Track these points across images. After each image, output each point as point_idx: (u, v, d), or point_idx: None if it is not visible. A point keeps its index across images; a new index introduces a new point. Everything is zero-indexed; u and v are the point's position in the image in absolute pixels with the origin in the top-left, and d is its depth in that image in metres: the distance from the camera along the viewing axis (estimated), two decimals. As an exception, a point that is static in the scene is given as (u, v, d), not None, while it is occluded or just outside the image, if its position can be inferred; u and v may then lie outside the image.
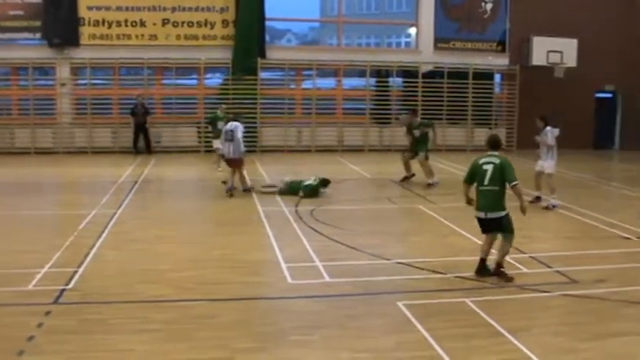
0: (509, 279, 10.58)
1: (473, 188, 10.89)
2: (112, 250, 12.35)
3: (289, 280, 10.65)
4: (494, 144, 11.04)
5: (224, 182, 18.76)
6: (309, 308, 9.46)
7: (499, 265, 10.71)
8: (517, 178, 10.63)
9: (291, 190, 18.11)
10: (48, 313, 8.94)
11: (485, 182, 10.61)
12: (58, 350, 7.73)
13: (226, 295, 9.93)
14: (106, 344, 7.94)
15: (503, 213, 10.63)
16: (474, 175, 10.79)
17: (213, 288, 10.20)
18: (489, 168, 10.62)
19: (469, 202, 11.05)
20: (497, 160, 10.65)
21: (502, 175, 10.56)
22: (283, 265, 11.34)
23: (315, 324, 8.73)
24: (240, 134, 17.97)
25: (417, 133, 20.37)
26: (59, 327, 8.46)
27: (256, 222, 14.98)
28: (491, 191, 10.59)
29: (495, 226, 10.69)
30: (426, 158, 20.23)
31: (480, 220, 10.81)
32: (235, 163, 18.21)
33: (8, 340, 7.98)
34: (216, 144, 21.97)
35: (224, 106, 23.95)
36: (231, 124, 18.20)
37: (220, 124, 21.64)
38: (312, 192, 17.95)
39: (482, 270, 10.77)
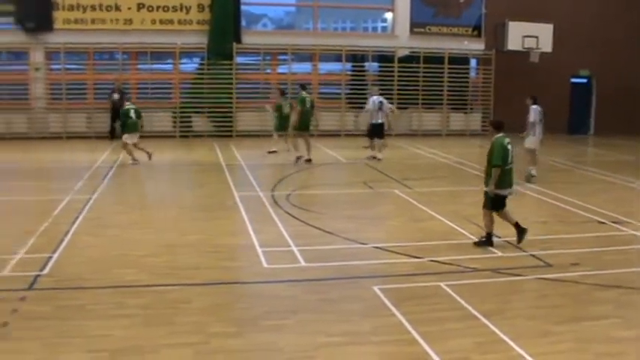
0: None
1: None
2: (87, 236, 12.27)
3: (265, 264, 10.64)
4: (502, 125, 11.80)
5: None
6: (285, 293, 9.46)
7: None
8: None
9: None
10: (22, 299, 8.88)
11: (510, 160, 11.47)
12: (34, 336, 7.69)
13: (202, 279, 9.91)
14: (82, 330, 7.89)
15: None
16: (506, 156, 11.42)
17: (189, 273, 10.19)
18: (510, 147, 11.49)
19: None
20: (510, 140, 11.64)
21: None
22: (259, 250, 11.34)
23: (290, 308, 8.74)
24: None
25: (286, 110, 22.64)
26: (34, 313, 8.41)
27: (232, 207, 14.94)
28: (512, 169, 11.62)
29: None
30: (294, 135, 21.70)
31: (505, 197, 11.61)
32: None
33: (-18, 327, 7.93)
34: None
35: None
36: None
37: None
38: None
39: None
